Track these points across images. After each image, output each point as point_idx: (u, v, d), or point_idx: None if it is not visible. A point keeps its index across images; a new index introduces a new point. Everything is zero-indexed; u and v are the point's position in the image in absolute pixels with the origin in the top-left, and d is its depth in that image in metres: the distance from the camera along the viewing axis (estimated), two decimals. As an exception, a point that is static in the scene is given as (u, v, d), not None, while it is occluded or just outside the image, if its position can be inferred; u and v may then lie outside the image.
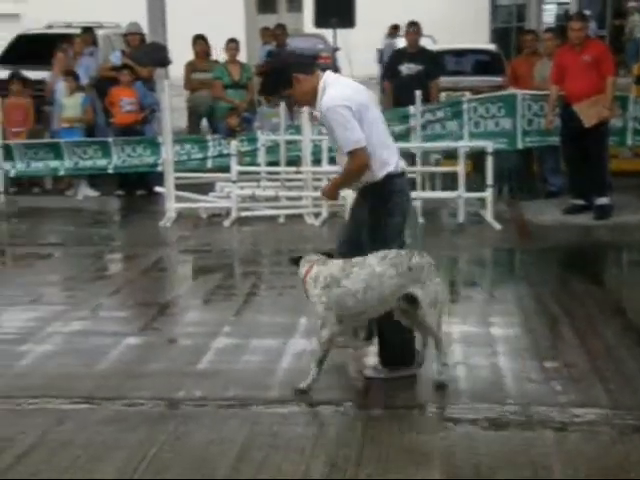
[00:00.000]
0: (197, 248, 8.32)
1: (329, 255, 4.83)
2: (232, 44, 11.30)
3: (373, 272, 4.52)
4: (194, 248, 8.34)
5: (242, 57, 12.12)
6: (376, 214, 4.72)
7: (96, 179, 10.82)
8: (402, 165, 4.84)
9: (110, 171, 10.43)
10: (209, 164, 10.26)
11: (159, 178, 9.69)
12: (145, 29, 11.81)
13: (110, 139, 10.42)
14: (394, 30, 19.63)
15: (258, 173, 9.64)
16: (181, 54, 11.71)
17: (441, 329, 4.75)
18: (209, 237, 8.67)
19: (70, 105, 10.79)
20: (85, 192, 10.61)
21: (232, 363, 5.15)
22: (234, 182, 9.03)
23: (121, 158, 10.36)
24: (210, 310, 6.46)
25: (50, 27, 14.49)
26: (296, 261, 4.86)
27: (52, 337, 5.67)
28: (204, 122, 11.88)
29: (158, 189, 9.60)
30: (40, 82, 11.58)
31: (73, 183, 10.82)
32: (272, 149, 9.75)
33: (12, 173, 10.36)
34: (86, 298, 6.61)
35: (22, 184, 10.91)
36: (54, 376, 4.98)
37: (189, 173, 9.79)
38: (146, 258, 7.86)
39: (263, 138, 9.68)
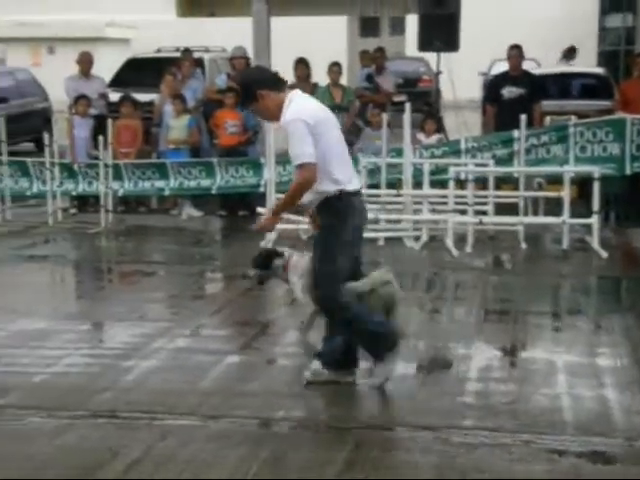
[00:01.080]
0: (297, 269, 8.35)
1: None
2: (335, 67, 11.39)
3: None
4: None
5: (343, 80, 12.20)
6: (326, 228, 4.87)
7: (200, 199, 11.03)
8: (357, 185, 4.96)
9: (214, 191, 10.62)
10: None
11: (261, 199, 9.81)
12: (250, 53, 12.02)
13: (214, 160, 10.62)
14: (570, 52, 18.72)
15: (359, 195, 9.64)
16: (285, 77, 11.85)
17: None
18: (309, 258, 8.70)
19: (177, 127, 11.05)
20: (189, 212, 10.83)
21: (331, 385, 5.14)
22: (335, 204, 9.06)
23: (224, 179, 10.54)
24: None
25: (159, 51, 14.91)
26: (265, 256, 5.37)
27: (157, 353, 5.79)
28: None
29: (260, 210, 9.72)
30: (149, 104, 11.91)
31: (178, 203, 11.06)
32: (372, 171, 9.76)
33: (120, 192, 10.65)
34: (189, 316, 6.73)
35: (129, 203, 11.21)
36: (158, 392, 5.08)
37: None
38: (247, 278, 7.92)
39: (364, 160, 9.71)
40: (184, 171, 10.61)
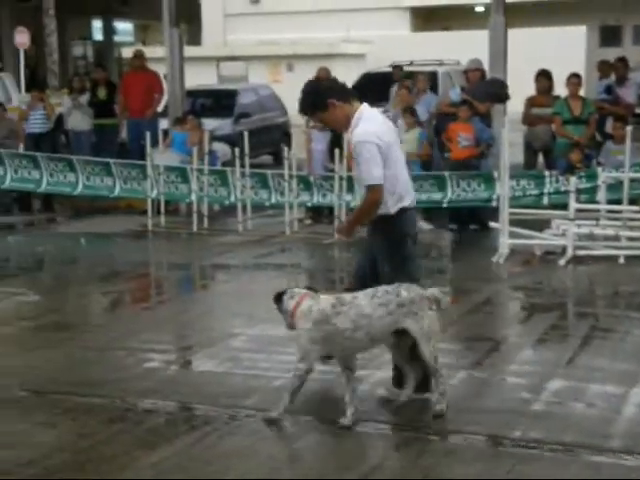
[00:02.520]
0: (530, 286, 8.17)
1: (313, 290, 4.91)
2: (574, 79, 11.03)
3: (362, 312, 4.68)
4: (526, 285, 8.19)
5: (582, 92, 11.78)
6: (392, 244, 5.00)
7: (430, 212, 11.02)
8: (412, 203, 5.10)
9: (444, 205, 10.58)
10: (545, 200, 10.07)
11: (492, 213, 9.65)
12: (485, 65, 11.90)
13: (446, 173, 10.59)
14: None
15: (597, 211, 9.27)
16: (520, 89, 11.64)
17: (437, 360, 4.79)
18: (542, 275, 8.48)
19: (408, 140, 11.11)
20: (419, 225, 10.82)
21: (569, 407, 4.97)
22: (571, 220, 8.77)
23: (456, 192, 10.48)
24: (544, 350, 6.28)
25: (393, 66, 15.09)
26: (279, 296, 4.91)
27: (387, 366, 5.80)
28: (540, 158, 11.68)
29: (492, 224, 9.58)
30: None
31: (408, 215, 11.10)
32: (613, 187, 9.34)
33: (352, 204, 10.73)
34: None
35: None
36: (390, 404, 5.09)
37: (524, 209, 9.66)
38: (478, 293, 7.85)
39: (604, 175, 9.31)
40: (415, 184, 10.55)
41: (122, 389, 5.37)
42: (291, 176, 10.61)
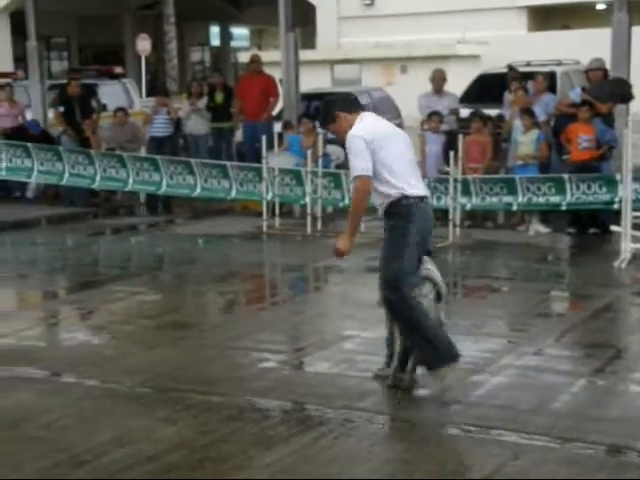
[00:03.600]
0: (653, 291, 7.89)
1: None
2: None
3: None
4: (650, 291, 7.92)
5: None
6: (390, 230, 5.27)
7: (548, 215, 10.79)
8: (419, 193, 5.25)
9: (563, 208, 10.32)
10: (670, 204, 9.70)
11: (612, 217, 9.36)
12: (608, 64, 11.55)
13: (565, 176, 10.33)
14: None
15: None
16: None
17: None
18: (667, 281, 8.17)
19: (525, 142, 10.91)
20: (537, 228, 10.63)
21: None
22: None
23: (575, 195, 10.21)
24: (670, 359, 6.05)
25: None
26: None
27: (506, 369, 5.73)
28: (665, 159, 11.27)
29: (614, 228, 9.29)
30: (499, 119, 11.88)
31: (525, 219, 10.90)
32: None
33: (468, 207, 10.73)
34: (538, 334, 6.59)
35: (476, 218, 11.25)
36: (509, 408, 5.02)
37: (648, 213, 9.33)
38: (599, 298, 7.63)
39: None
40: (533, 187, 10.43)
41: (239, 388, 5.45)
42: (405, 178, 10.54)
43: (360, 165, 5.22)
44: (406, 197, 5.23)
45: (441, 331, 5.29)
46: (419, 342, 5.22)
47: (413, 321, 5.22)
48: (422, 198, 5.32)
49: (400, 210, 5.25)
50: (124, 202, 13.38)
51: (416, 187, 5.31)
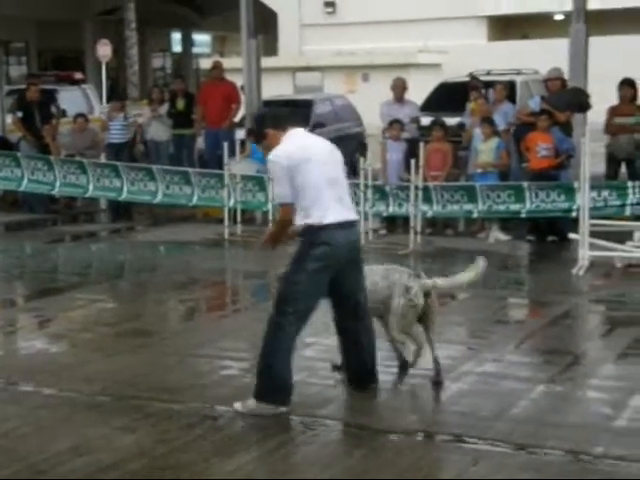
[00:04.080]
0: (611, 299, 8.00)
1: None
2: (658, 87, 10.80)
3: None
4: (607, 298, 8.03)
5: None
6: (294, 256, 5.16)
7: (507, 223, 10.89)
8: (337, 219, 5.07)
9: (523, 215, 10.42)
10: (627, 211, 9.85)
11: (571, 224, 9.47)
12: (566, 74, 11.71)
13: (525, 184, 10.44)
14: None
15: (682, 223, 9.03)
16: (601, 98, 11.43)
17: None
18: (624, 288, 8.30)
19: (485, 150, 11.01)
20: (496, 235, 10.72)
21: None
22: (655, 232, 8.55)
23: (534, 203, 10.31)
24: (626, 365, 6.14)
25: (470, 76, 14.96)
26: None
27: (466, 376, 5.77)
28: (623, 168, 11.44)
29: (572, 236, 9.40)
30: (459, 127, 11.98)
31: (485, 226, 11.00)
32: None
33: (429, 214, 10.79)
34: (496, 341, 6.64)
35: (437, 225, 11.32)
36: (469, 415, 5.05)
37: (605, 220, 9.46)
38: (557, 306, 7.71)
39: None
40: (493, 194, 10.52)
41: (200, 395, 5.43)
42: (367, 186, 10.59)
43: (279, 192, 5.17)
44: (312, 226, 5.08)
45: (289, 373, 5.15)
46: (262, 368, 5.14)
47: (268, 347, 5.15)
48: (342, 224, 5.13)
49: (307, 237, 5.11)
50: (84, 209, 13.26)
51: (330, 214, 5.10)
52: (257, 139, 5.61)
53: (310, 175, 5.09)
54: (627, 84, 11.22)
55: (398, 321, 5.48)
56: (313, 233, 5.10)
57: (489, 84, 12.60)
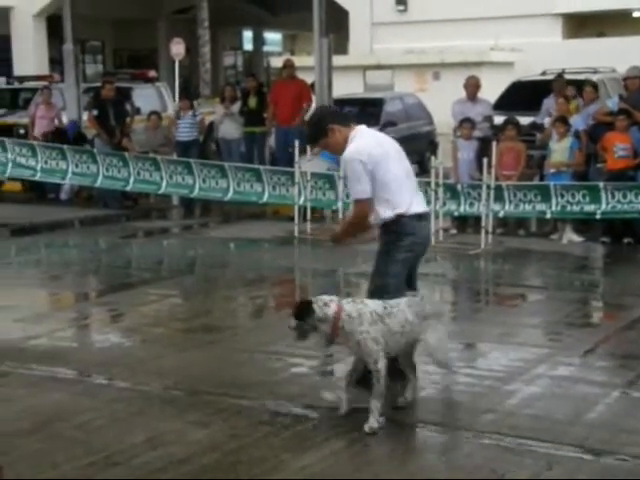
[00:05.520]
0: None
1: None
2: None
3: (407, 319, 4.87)
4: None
5: None
6: (383, 248, 5.29)
7: (582, 224, 10.69)
8: (417, 211, 5.25)
9: (598, 216, 10.22)
10: None
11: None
12: (644, 73, 11.45)
13: (600, 184, 10.23)
14: None
15: None
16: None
17: None
18: (703, 292, 8.06)
19: (558, 150, 10.83)
20: (570, 237, 10.53)
21: None
22: None
23: (610, 204, 10.11)
24: None
25: (544, 74, 14.74)
26: (307, 306, 4.81)
27: (539, 379, 5.68)
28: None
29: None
30: (533, 127, 11.81)
31: (558, 227, 10.81)
32: None
33: (501, 214, 10.65)
34: (572, 344, 6.52)
35: (509, 225, 11.18)
36: (543, 419, 4.97)
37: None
38: (632, 309, 7.55)
39: None
40: (567, 194, 10.34)
41: (270, 392, 5.45)
42: (437, 185, 10.51)
43: (358, 188, 5.20)
44: (403, 216, 5.24)
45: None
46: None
47: None
48: (420, 216, 5.33)
49: (396, 228, 5.25)
50: (156, 205, 13.46)
51: (414, 205, 5.30)
52: (317, 136, 5.40)
53: (391, 168, 5.24)
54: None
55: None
56: (401, 224, 5.24)
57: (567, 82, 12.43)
